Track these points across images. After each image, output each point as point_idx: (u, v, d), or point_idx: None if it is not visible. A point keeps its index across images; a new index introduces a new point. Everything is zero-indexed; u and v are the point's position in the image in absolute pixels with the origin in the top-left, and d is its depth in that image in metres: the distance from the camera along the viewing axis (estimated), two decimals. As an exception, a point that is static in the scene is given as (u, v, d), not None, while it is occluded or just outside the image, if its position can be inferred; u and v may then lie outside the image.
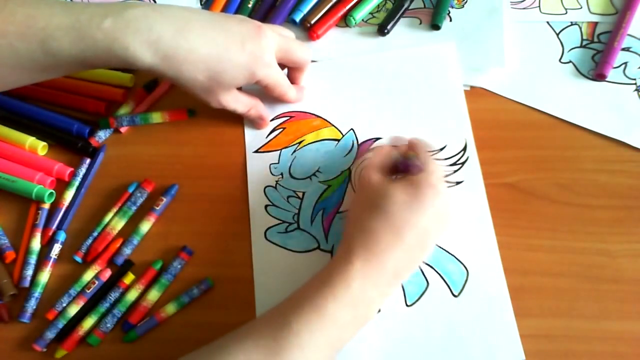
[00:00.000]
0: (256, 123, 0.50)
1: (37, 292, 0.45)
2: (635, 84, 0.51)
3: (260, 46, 0.43)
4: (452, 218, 0.41)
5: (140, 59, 0.40)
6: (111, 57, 0.40)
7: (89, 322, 0.43)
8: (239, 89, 0.47)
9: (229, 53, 0.42)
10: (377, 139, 0.49)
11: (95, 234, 0.47)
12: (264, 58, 0.43)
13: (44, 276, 0.45)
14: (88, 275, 0.45)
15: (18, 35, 0.39)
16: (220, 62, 0.42)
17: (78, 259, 0.46)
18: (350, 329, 0.37)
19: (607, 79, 0.51)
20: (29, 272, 0.45)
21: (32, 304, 0.44)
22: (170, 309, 0.43)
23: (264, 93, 0.48)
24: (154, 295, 0.44)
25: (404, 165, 0.42)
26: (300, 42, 0.48)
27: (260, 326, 0.36)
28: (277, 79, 0.46)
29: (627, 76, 0.51)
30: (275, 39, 0.44)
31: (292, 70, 0.49)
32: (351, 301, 0.36)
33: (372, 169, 0.42)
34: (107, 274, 0.45)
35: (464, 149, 0.48)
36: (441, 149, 0.48)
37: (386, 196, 0.38)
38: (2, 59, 0.39)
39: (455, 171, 0.47)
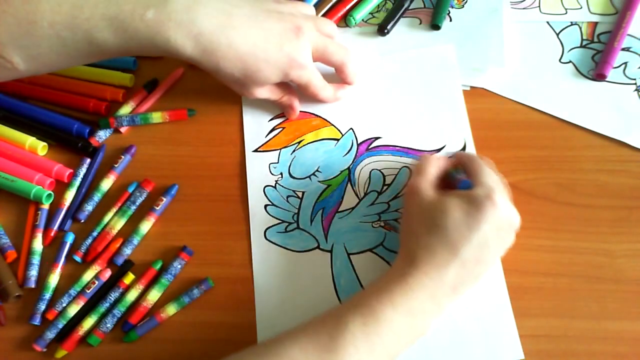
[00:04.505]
0: (286, 111, 0.50)
1: (48, 295, 0.44)
2: (635, 84, 0.51)
3: (297, 48, 0.43)
4: (512, 232, 0.40)
5: (181, 50, 0.41)
6: (153, 47, 0.41)
7: (89, 322, 0.43)
8: None
9: (266, 54, 0.43)
10: (377, 138, 0.49)
11: (95, 233, 0.47)
12: (298, 60, 0.44)
13: (54, 278, 0.45)
14: (88, 275, 0.45)
15: (65, 25, 0.39)
16: (256, 62, 0.43)
17: (78, 258, 0.46)
18: (406, 338, 0.37)
19: (607, 79, 0.51)
20: (33, 272, 0.45)
21: (42, 306, 0.44)
22: (170, 309, 0.43)
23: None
24: (154, 295, 0.44)
25: (452, 179, 0.42)
26: (339, 43, 0.47)
27: (316, 325, 0.36)
28: (310, 79, 0.46)
29: (627, 76, 0.51)
30: (312, 39, 0.45)
31: (336, 70, 0.49)
32: (409, 310, 0.36)
33: (425, 181, 0.41)
34: (107, 274, 0.45)
35: (463, 148, 0.48)
36: (440, 149, 0.48)
37: (442, 211, 0.38)
38: (50, 47, 0.40)
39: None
